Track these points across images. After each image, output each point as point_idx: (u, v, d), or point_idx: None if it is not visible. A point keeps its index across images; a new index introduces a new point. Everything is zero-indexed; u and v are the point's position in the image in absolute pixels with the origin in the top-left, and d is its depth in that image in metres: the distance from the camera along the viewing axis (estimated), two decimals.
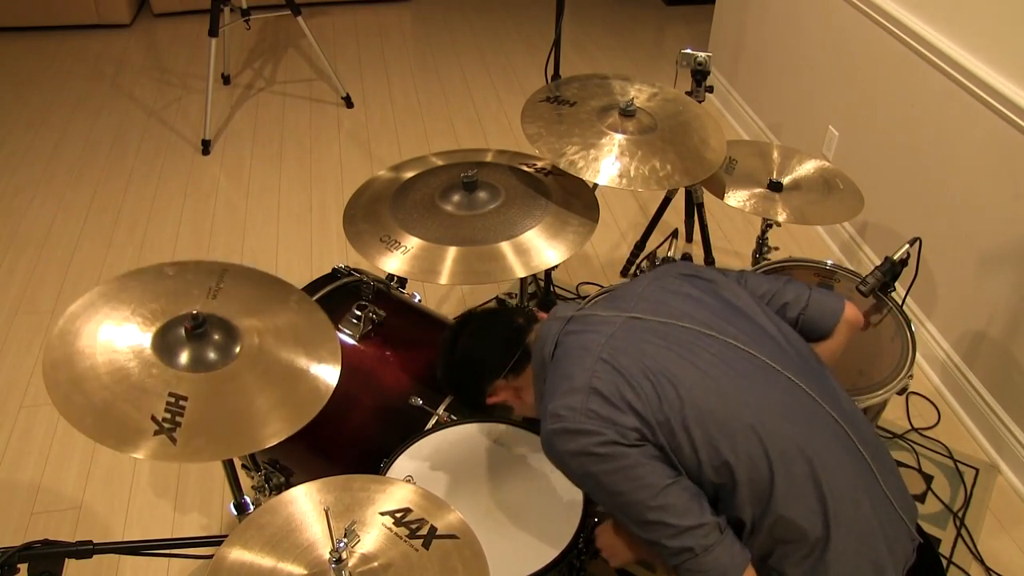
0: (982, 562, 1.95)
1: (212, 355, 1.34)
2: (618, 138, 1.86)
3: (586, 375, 1.21)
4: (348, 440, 1.69)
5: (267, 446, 1.26)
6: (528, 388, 1.40)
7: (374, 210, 1.79)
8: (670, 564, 1.19)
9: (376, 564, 1.09)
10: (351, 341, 1.75)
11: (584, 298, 1.94)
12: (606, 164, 1.79)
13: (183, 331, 1.35)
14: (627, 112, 1.90)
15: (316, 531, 1.12)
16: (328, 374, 1.38)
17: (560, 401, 1.21)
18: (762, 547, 1.21)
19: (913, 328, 1.80)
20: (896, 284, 1.89)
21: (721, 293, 1.37)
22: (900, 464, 2.16)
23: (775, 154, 2.18)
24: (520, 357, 1.38)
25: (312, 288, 1.84)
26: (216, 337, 1.36)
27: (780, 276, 1.50)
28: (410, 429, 1.56)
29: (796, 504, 1.17)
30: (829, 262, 1.97)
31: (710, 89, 2.36)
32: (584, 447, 1.17)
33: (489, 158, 1.99)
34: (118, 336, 1.36)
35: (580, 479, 1.22)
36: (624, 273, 2.80)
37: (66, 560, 1.40)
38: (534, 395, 1.39)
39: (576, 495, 1.43)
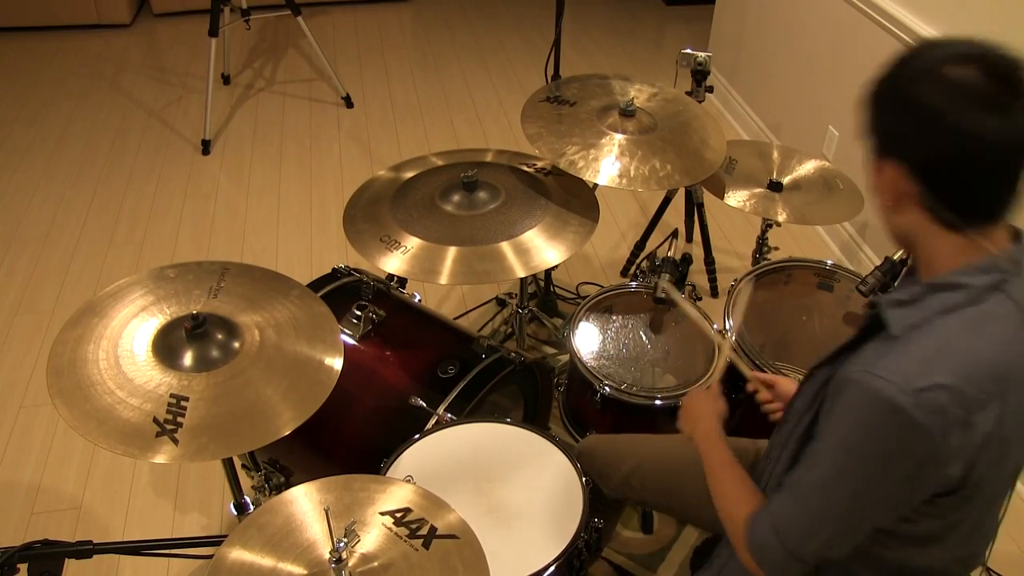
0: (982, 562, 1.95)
1: (215, 353, 1.34)
2: (618, 138, 1.86)
3: None
4: (348, 440, 1.69)
5: (284, 434, 1.25)
6: (925, 233, 1.00)
7: (374, 210, 1.79)
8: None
9: (376, 564, 1.09)
10: (351, 341, 1.75)
11: (594, 296, 1.94)
12: (606, 164, 1.79)
13: (183, 332, 1.35)
14: (627, 112, 1.90)
15: (316, 531, 1.12)
16: (332, 359, 1.38)
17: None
18: None
19: None
20: (896, 284, 1.89)
21: None
22: None
23: (775, 154, 2.18)
24: (968, 196, 0.95)
25: (312, 288, 1.83)
26: (218, 336, 1.36)
27: None
28: (410, 429, 1.56)
29: None
30: (829, 262, 1.97)
31: (710, 89, 2.36)
32: None
33: (489, 158, 1.99)
34: (120, 340, 1.36)
35: None
36: (624, 273, 2.80)
37: (66, 560, 1.40)
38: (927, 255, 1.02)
39: (576, 495, 1.43)
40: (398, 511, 1.16)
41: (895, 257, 1.85)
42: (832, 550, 1.05)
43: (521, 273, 1.66)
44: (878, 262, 1.90)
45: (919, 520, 1.04)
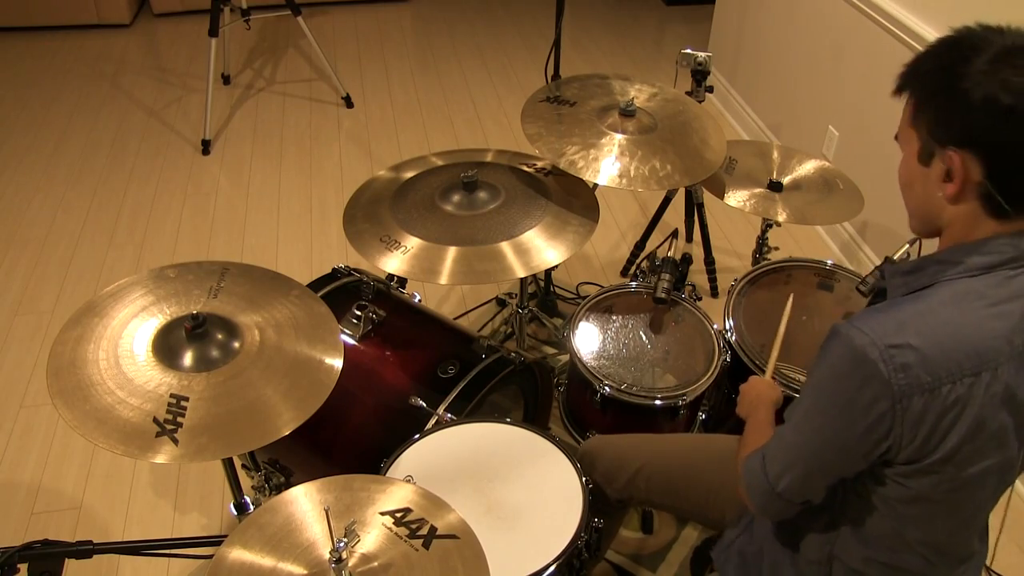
0: None
1: (215, 353, 1.34)
2: (618, 138, 1.86)
3: None
4: (348, 440, 1.69)
5: (284, 434, 1.25)
6: (967, 219, 1.02)
7: (374, 210, 1.79)
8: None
9: (376, 564, 1.09)
10: (351, 341, 1.75)
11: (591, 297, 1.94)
12: (606, 164, 1.79)
13: (183, 332, 1.35)
14: (627, 112, 1.90)
15: (316, 531, 1.12)
16: (332, 359, 1.38)
17: None
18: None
19: None
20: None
21: None
22: None
23: (775, 154, 2.18)
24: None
25: (312, 288, 1.83)
26: (218, 336, 1.36)
27: None
28: (410, 429, 1.56)
29: None
30: (829, 262, 1.97)
31: (710, 89, 2.37)
32: None
33: (489, 158, 1.99)
34: (120, 340, 1.36)
35: None
36: (624, 273, 2.80)
37: (66, 560, 1.40)
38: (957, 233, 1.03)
39: (576, 495, 1.43)
40: (398, 511, 1.16)
41: (895, 257, 1.85)
42: (805, 489, 1.10)
43: (521, 273, 1.66)
44: (878, 262, 1.90)
45: (887, 483, 1.06)
